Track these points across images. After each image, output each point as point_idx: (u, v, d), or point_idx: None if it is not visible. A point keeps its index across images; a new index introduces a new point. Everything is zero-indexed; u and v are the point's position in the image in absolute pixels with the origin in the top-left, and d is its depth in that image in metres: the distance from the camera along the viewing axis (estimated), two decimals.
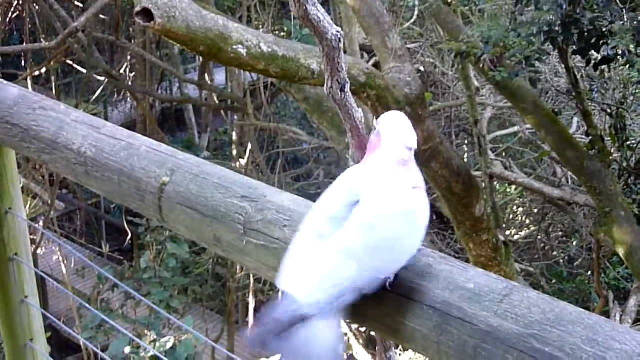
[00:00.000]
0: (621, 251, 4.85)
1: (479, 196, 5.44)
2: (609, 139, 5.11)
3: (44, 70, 9.89)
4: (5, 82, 2.10)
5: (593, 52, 4.23)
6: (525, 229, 8.22)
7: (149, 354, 5.11)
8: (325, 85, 1.21)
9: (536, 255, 8.16)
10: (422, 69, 6.65)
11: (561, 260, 8.32)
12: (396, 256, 1.16)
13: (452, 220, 5.83)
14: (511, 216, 8.89)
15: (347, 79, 1.20)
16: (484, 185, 6.04)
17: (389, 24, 4.59)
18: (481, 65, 4.89)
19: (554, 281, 7.88)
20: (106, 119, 13.89)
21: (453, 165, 4.98)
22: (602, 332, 1.12)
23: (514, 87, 4.98)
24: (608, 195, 4.86)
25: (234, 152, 9.80)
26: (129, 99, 14.90)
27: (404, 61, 4.55)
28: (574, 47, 4.17)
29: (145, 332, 5.28)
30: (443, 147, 4.92)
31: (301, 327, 1.04)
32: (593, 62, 4.42)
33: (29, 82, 9.87)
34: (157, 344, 5.16)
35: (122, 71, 12.62)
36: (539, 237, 7.76)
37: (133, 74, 13.01)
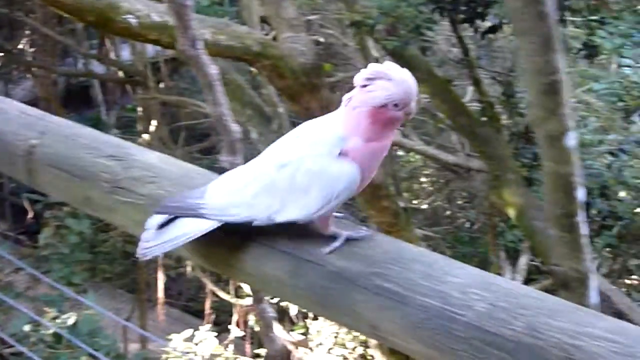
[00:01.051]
0: (512, 213, 5.07)
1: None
2: (500, 105, 5.31)
3: None
4: None
5: (480, 21, 4.37)
6: (431, 196, 8.45)
7: (50, 331, 5.06)
8: (177, 42, 1.25)
9: (440, 222, 8.41)
10: (322, 40, 6.74)
11: (465, 226, 8.60)
12: (292, 208, 1.21)
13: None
14: (416, 185, 9.10)
15: (198, 36, 1.24)
16: None
17: None
18: (375, 35, 4.99)
19: (455, 246, 8.14)
20: (7, 95, 13.40)
21: None
22: (439, 268, 1.21)
23: (407, 56, 5.10)
24: (499, 160, 5.06)
25: (140, 128, 9.69)
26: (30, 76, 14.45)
27: (299, 31, 4.60)
28: (462, 15, 4.30)
29: (46, 309, 5.22)
30: None
31: (191, 215, 1.23)
32: (480, 31, 4.57)
33: None
34: (58, 321, 5.12)
35: (21, 46, 12.21)
36: (441, 204, 8.00)
37: (33, 49, 12.61)
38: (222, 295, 10.10)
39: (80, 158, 1.56)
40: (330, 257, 1.26)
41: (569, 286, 1.36)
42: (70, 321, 5.05)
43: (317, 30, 6.45)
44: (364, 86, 1.19)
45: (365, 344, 6.38)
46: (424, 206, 8.65)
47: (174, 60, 7.70)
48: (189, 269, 9.93)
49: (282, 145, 1.26)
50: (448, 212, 8.89)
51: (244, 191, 1.22)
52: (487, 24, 4.56)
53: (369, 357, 6.52)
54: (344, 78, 6.85)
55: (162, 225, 1.27)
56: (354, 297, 1.23)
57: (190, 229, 1.24)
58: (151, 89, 7.75)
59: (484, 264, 7.46)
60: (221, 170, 1.51)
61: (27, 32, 12.49)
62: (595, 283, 1.38)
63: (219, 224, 1.23)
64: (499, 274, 5.78)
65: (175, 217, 1.26)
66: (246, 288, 9.36)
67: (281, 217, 1.22)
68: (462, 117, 5.20)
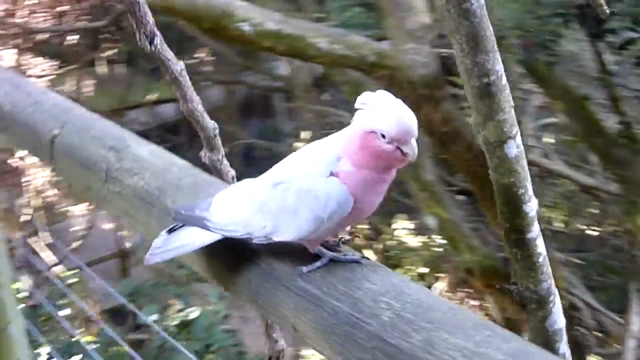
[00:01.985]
0: None
1: None
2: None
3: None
4: None
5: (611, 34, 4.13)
6: (576, 220, 8.03)
7: (173, 323, 5.33)
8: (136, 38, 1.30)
9: (587, 248, 7.97)
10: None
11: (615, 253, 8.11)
12: (284, 228, 1.20)
13: (480, 207, 5.79)
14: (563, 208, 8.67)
15: (156, 32, 1.28)
16: None
17: (407, 4, 4.60)
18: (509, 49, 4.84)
19: (605, 275, 7.68)
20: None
21: (476, 149, 4.94)
22: (361, 274, 1.18)
23: (542, 71, 4.90)
24: (635, 184, 4.74)
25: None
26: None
27: (422, 42, 4.55)
28: (591, 29, 4.08)
29: (171, 302, 5.50)
30: (466, 130, 4.88)
31: (198, 226, 1.26)
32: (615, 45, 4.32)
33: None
34: (182, 313, 5.38)
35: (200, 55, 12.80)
36: (586, 228, 7.59)
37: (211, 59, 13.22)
38: None
39: (86, 149, 1.65)
40: (268, 256, 1.26)
41: (526, 308, 1.26)
42: (193, 315, 5.27)
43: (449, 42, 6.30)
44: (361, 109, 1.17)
45: None
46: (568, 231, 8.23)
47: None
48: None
49: (283, 164, 1.25)
50: (594, 238, 8.39)
51: (241, 208, 1.23)
52: (623, 36, 4.29)
53: None
54: None
55: (172, 231, 1.29)
56: (280, 296, 1.22)
57: (194, 239, 1.26)
58: (300, 98, 7.94)
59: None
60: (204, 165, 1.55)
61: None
62: (558, 306, 1.27)
63: (221, 237, 1.24)
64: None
65: (184, 227, 1.29)
66: None
67: (276, 237, 1.21)
68: (597, 137, 4.92)
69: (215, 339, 5.03)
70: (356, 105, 1.17)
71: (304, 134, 9.49)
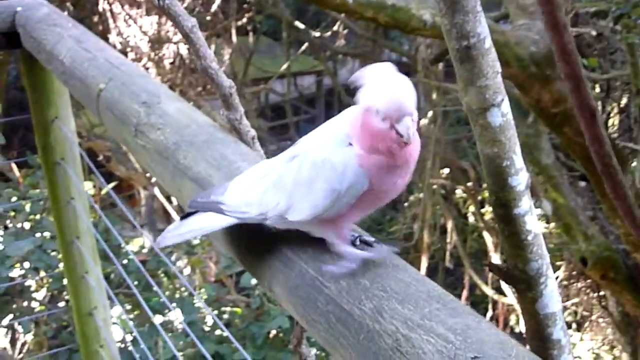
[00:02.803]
0: None
1: (625, 168, 5.10)
2: None
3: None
4: (43, 1, 2.38)
5: None
6: None
7: None
8: None
9: None
10: (593, 33, 6.26)
11: None
12: (300, 204, 1.12)
13: (596, 191, 5.53)
14: None
15: None
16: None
17: None
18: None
19: None
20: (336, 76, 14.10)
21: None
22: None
23: None
24: None
25: None
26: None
27: (535, 19, 4.36)
28: None
29: None
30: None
31: (212, 211, 1.21)
32: None
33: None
34: None
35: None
36: None
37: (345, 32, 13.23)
38: (484, 288, 9.96)
39: (123, 103, 1.70)
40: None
41: (516, 289, 1.17)
42: None
43: (584, 21, 6.00)
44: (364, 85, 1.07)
45: None
46: None
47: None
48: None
49: (299, 141, 1.18)
50: None
51: (255, 188, 1.16)
52: None
53: None
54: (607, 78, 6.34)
55: (184, 217, 1.25)
56: (262, 258, 1.22)
57: (207, 223, 1.22)
58: (419, 72, 7.83)
59: None
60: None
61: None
62: (551, 288, 1.17)
63: (236, 221, 1.19)
64: None
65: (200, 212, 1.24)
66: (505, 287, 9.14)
67: (292, 216, 1.12)
68: None
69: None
70: (357, 80, 1.07)
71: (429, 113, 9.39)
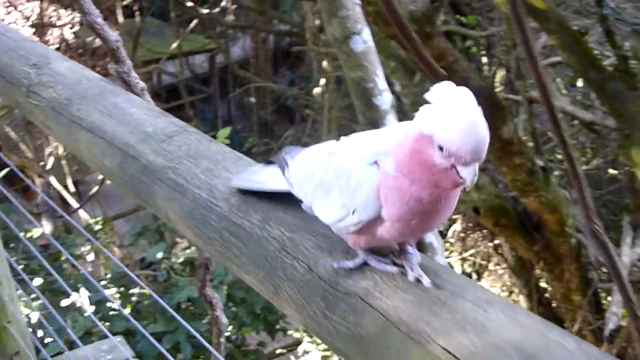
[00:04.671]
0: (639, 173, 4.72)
1: (506, 118, 5.40)
2: (636, 60, 4.93)
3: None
4: None
5: None
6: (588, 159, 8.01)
7: (179, 260, 5.50)
8: None
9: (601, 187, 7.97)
10: None
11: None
12: (318, 202, 1.06)
13: None
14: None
15: None
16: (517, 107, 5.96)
17: None
18: None
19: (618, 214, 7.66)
20: (227, 52, 14.06)
21: (471, 85, 4.95)
22: (221, 164, 1.27)
23: (537, 5, 4.87)
24: (629, 117, 4.72)
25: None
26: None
27: None
28: None
29: (178, 240, 5.66)
30: (458, 66, 4.90)
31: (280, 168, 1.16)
32: None
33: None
34: (188, 251, 5.54)
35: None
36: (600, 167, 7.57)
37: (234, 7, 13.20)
38: None
39: (13, 67, 1.75)
40: (147, 153, 1.36)
41: None
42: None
43: None
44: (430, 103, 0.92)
45: None
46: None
47: None
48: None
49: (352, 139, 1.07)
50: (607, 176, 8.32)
51: (305, 167, 1.10)
52: None
53: None
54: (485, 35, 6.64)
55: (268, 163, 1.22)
56: (155, 189, 1.32)
57: (271, 181, 1.17)
58: (308, 40, 7.99)
59: None
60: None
61: None
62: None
63: (288, 191, 1.13)
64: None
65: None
66: None
67: (316, 212, 1.07)
68: (592, 71, 4.90)
69: (215, 274, 5.19)
70: (427, 96, 0.91)
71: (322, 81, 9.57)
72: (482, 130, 0.87)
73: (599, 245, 0.76)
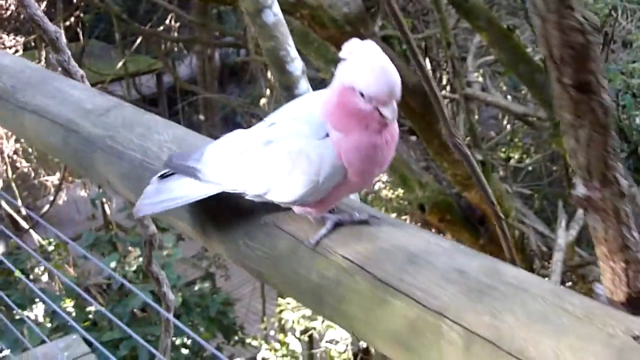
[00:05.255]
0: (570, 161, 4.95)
1: (442, 114, 5.63)
2: None
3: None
4: None
5: None
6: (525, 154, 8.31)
7: (132, 268, 5.60)
8: None
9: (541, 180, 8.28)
10: None
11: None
12: (278, 190, 1.11)
13: (421, 140, 6.03)
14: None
15: None
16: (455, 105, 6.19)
17: None
18: None
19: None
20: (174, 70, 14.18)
21: (407, 83, 5.17)
22: (154, 129, 1.42)
23: (468, 5, 5.12)
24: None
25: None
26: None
27: None
28: None
29: (131, 249, 5.76)
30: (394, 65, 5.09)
31: (187, 175, 1.19)
32: None
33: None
34: (141, 259, 5.65)
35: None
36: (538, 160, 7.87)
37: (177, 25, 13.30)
38: None
39: None
40: (87, 126, 1.50)
41: None
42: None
43: None
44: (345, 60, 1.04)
45: None
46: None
47: None
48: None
49: (273, 118, 1.15)
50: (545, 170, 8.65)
51: (235, 163, 1.14)
52: None
53: None
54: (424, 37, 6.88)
55: (163, 177, 1.22)
56: (95, 157, 1.46)
57: (186, 192, 1.18)
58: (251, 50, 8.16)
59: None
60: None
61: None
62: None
63: (217, 192, 1.16)
64: None
65: (176, 176, 1.21)
66: None
67: (271, 197, 1.12)
68: (522, 65, 5.15)
69: (169, 279, 5.30)
70: (340, 55, 1.03)
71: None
72: (392, 73, 1.00)
73: (461, 155, 0.93)
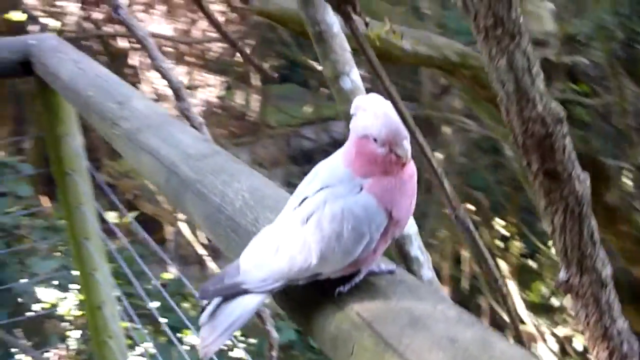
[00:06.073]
0: None
1: (609, 184, 5.42)
2: None
3: None
4: (52, 35, 2.86)
5: None
6: None
7: None
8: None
9: None
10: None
11: None
12: (332, 258, 1.14)
13: None
14: None
15: (120, 4, 1.73)
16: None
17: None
18: None
19: None
20: None
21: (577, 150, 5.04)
22: (235, 177, 1.56)
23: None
24: None
25: None
26: None
27: None
28: None
29: None
30: None
31: (237, 295, 1.18)
32: None
33: None
34: None
35: None
36: None
37: None
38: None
39: (102, 103, 2.14)
40: (185, 170, 1.67)
41: None
42: None
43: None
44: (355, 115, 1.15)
45: None
46: None
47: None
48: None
49: (300, 195, 1.18)
50: None
51: (277, 257, 1.16)
52: None
53: None
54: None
55: (213, 314, 1.19)
56: (187, 197, 1.62)
57: (241, 310, 1.18)
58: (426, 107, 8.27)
59: None
60: None
61: None
62: None
63: (267, 295, 1.19)
64: None
65: (221, 303, 1.19)
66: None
67: (326, 270, 1.16)
68: None
69: None
70: (350, 111, 1.15)
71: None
72: (394, 116, 1.09)
73: (463, 227, 0.98)
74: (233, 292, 1.17)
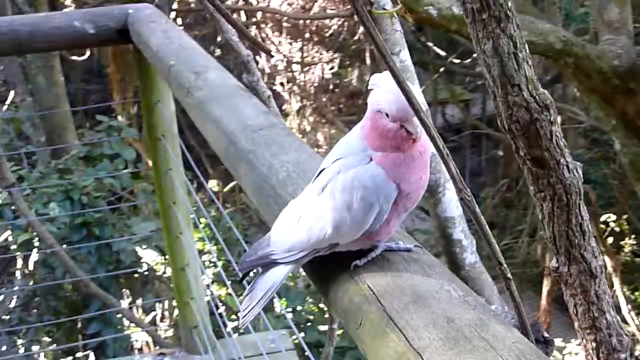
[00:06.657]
0: None
1: None
2: None
3: None
4: (148, 5, 2.98)
5: None
6: None
7: None
8: None
9: None
10: None
11: None
12: (345, 227, 1.19)
13: None
14: None
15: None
16: None
17: None
18: None
19: None
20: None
21: None
22: (286, 149, 1.60)
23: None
24: None
25: None
26: None
27: (620, 34, 4.58)
28: None
29: None
30: None
31: (269, 266, 1.28)
32: None
33: None
34: None
35: None
36: None
37: None
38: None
39: (181, 73, 2.23)
40: (242, 139, 1.73)
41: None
42: None
43: None
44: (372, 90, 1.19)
45: None
46: None
47: None
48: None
49: (321, 167, 1.26)
50: None
51: (298, 229, 1.23)
52: None
53: None
54: None
55: (244, 279, 1.33)
56: (240, 165, 1.69)
57: (272, 279, 1.27)
58: None
59: None
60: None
61: None
62: (449, 197, 1.48)
63: (295, 266, 1.26)
64: None
65: (258, 275, 1.30)
66: None
67: (342, 240, 1.22)
68: None
69: None
70: (369, 87, 1.19)
71: None
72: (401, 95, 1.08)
73: (470, 212, 0.99)
74: (265, 263, 1.27)
